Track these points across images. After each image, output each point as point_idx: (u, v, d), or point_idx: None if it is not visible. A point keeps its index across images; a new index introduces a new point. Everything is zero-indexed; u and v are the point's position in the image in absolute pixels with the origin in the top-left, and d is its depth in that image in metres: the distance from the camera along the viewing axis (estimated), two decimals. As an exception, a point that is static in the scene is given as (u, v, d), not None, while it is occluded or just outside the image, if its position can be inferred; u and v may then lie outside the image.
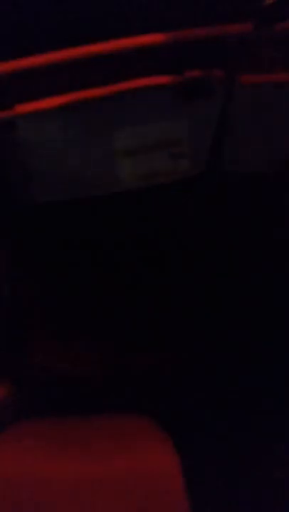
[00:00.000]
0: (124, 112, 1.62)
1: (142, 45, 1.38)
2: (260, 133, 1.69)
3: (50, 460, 1.17)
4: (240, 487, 1.41)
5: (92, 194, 1.82)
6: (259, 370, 1.76)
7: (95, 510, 1.09)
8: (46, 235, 1.91)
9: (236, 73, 1.49)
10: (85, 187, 1.80)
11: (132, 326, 1.90)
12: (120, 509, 1.09)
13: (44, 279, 1.95)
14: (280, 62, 1.49)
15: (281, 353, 1.76)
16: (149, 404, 1.57)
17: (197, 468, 1.24)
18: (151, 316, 1.90)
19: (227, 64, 1.47)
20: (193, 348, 1.86)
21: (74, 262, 1.92)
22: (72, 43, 1.36)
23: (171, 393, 1.76)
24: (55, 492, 1.11)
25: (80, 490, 1.11)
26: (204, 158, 1.76)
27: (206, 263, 1.88)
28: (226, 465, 1.47)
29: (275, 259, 1.85)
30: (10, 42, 1.35)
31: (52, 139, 1.68)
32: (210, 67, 1.48)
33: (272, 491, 1.38)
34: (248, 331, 1.82)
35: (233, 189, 1.83)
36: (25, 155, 1.73)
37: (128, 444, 1.23)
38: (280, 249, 1.85)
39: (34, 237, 1.92)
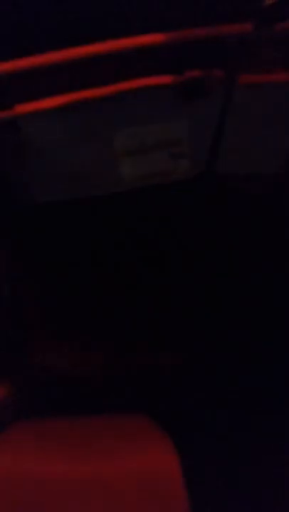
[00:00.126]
0: (124, 112, 1.61)
1: (142, 45, 1.37)
2: (259, 133, 1.69)
3: (50, 460, 1.17)
4: (240, 487, 1.41)
5: (92, 194, 1.82)
6: (259, 370, 1.76)
7: (95, 510, 1.09)
8: (46, 235, 1.91)
9: (236, 73, 1.49)
10: (85, 187, 1.80)
11: (132, 326, 1.90)
12: (120, 509, 1.09)
13: (44, 279, 1.95)
14: (280, 62, 1.49)
15: (281, 353, 1.76)
16: (149, 404, 1.57)
17: (197, 468, 1.24)
18: (151, 316, 1.90)
19: (227, 64, 1.47)
20: (193, 348, 1.86)
21: (74, 262, 1.92)
22: (72, 43, 1.36)
23: (171, 393, 1.76)
24: (55, 492, 1.11)
25: (80, 490, 1.11)
26: (204, 158, 1.76)
27: (206, 263, 1.88)
28: (226, 465, 1.46)
29: (275, 259, 1.85)
30: (10, 42, 1.35)
31: (52, 139, 1.68)
32: (210, 67, 1.48)
33: (272, 491, 1.38)
34: (248, 331, 1.82)
35: (233, 189, 1.83)
36: (25, 155, 1.73)
37: (128, 444, 1.23)
38: (280, 250, 1.85)
39: (34, 237, 1.93)
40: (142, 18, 1.35)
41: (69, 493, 1.11)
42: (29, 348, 1.91)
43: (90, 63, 1.41)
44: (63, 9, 1.31)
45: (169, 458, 1.16)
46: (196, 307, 1.88)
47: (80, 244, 1.91)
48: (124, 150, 1.74)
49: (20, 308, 1.94)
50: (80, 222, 1.90)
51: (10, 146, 1.71)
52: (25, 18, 1.31)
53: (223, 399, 1.70)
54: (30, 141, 1.69)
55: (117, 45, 1.37)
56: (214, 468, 1.44)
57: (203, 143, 1.71)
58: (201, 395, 1.73)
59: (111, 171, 1.78)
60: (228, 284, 1.87)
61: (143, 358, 1.87)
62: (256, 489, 1.39)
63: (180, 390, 1.77)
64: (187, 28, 1.37)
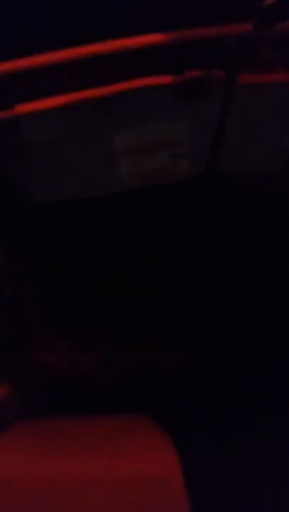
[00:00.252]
0: (124, 111, 1.62)
1: (142, 45, 1.38)
2: (259, 133, 1.69)
3: (50, 460, 1.17)
4: (240, 487, 1.41)
5: (92, 194, 1.82)
6: (259, 370, 1.76)
7: (95, 510, 1.09)
8: (46, 235, 1.91)
9: (236, 73, 1.49)
10: (85, 187, 1.80)
11: (132, 326, 1.90)
12: (120, 509, 1.09)
13: (44, 279, 1.95)
14: (280, 62, 1.49)
15: (281, 353, 1.76)
16: (149, 404, 1.57)
17: (197, 468, 1.24)
18: (151, 316, 1.90)
19: (227, 64, 1.47)
20: (193, 348, 1.86)
21: (74, 262, 1.92)
22: (72, 43, 1.36)
23: (171, 393, 1.76)
24: (55, 492, 1.11)
25: (80, 490, 1.11)
26: (204, 158, 1.76)
27: (206, 263, 1.88)
28: (226, 465, 1.46)
29: (275, 259, 1.85)
30: (10, 42, 1.35)
31: (52, 139, 1.68)
32: (210, 67, 1.48)
33: (272, 491, 1.38)
34: (248, 331, 1.82)
35: (233, 189, 1.83)
36: (25, 155, 1.73)
37: (128, 444, 1.23)
38: (280, 250, 1.85)
39: (34, 237, 1.92)
40: (142, 18, 1.35)
41: (69, 493, 1.11)
42: (29, 348, 1.91)
43: (90, 63, 1.41)
44: (63, 9, 1.31)
45: (169, 458, 1.16)
46: (196, 307, 1.88)
47: (80, 244, 1.91)
48: (124, 150, 1.74)
49: (20, 308, 1.94)
50: (80, 222, 1.89)
51: (10, 146, 1.71)
52: (25, 18, 1.31)
53: (223, 399, 1.70)
54: (30, 141, 1.69)
55: (117, 45, 1.37)
56: (214, 468, 1.44)
57: (203, 143, 1.71)
58: (201, 395, 1.73)
59: (111, 171, 1.79)
60: (228, 284, 1.87)
61: (143, 358, 1.87)
62: (256, 489, 1.39)
63: (180, 390, 1.77)
64: (187, 28, 1.37)
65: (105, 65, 1.44)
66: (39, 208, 1.88)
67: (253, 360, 1.78)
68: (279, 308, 1.83)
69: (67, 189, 1.81)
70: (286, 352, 1.75)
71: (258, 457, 1.47)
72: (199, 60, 1.48)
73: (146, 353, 1.88)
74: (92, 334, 1.92)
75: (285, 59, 1.48)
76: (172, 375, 1.83)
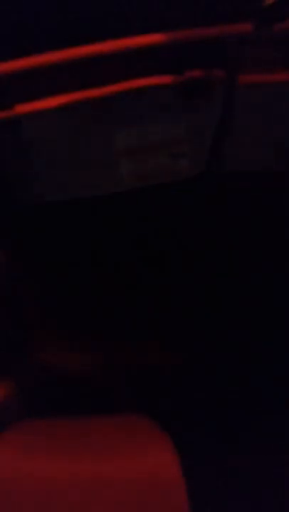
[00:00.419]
0: (124, 111, 1.62)
1: (142, 45, 1.38)
2: (260, 133, 1.69)
3: (50, 460, 1.17)
4: (240, 487, 1.41)
5: (92, 194, 1.82)
6: (259, 370, 1.76)
7: (95, 510, 1.09)
8: (46, 235, 1.91)
9: (236, 73, 1.49)
10: (85, 187, 1.80)
11: (132, 326, 1.90)
12: (120, 509, 1.09)
13: (44, 279, 1.95)
14: (280, 62, 1.50)
15: (281, 353, 1.76)
16: (149, 404, 1.57)
17: (197, 468, 1.24)
18: (151, 316, 1.90)
19: (227, 64, 1.47)
20: (193, 348, 1.86)
21: (74, 262, 1.92)
22: (72, 43, 1.36)
23: (171, 393, 1.76)
24: (55, 492, 1.11)
25: (79, 490, 1.11)
26: (204, 158, 1.76)
27: (206, 263, 1.88)
28: (226, 465, 1.46)
29: (275, 259, 1.85)
30: (10, 42, 1.35)
31: (52, 139, 1.69)
32: (210, 67, 1.48)
33: (272, 491, 1.38)
34: (248, 331, 1.82)
35: (233, 189, 1.83)
36: (25, 155, 1.73)
37: (128, 444, 1.23)
38: (280, 249, 1.84)
39: (34, 237, 1.92)
40: (142, 18, 1.35)
41: (69, 493, 1.11)
42: (29, 348, 1.91)
43: (90, 63, 1.41)
44: (63, 9, 1.31)
45: (169, 458, 1.16)
46: (196, 307, 1.88)
47: (80, 244, 1.91)
48: (124, 150, 1.74)
49: (20, 308, 1.94)
50: (80, 222, 1.89)
51: (10, 146, 1.71)
52: (25, 18, 1.31)
53: (223, 399, 1.70)
54: (31, 141, 1.69)
55: (117, 45, 1.38)
56: (214, 468, 1.44)
57: (203, 143, 1.71)
58: (201, 395, 1.73)
59: (111, 171, 1.79)
60: (228, 284, 1.87)
61: (143, 358, 1.87)
62: (256, 489, 1.39)
63: (180, 390, 1.77)
64: (187, 28, 1.37)
65: (105, 65, 1.44)
66: (39, 208, 1.88)
67: (253, 360, 1.78)
68: (279, 308, 1.83)
69: (67, 189, 1.81)
70: (286, 352, 1.75)
71: (258, 457, 1.47)
72: (199, 60, 1.48)
73: (146, 353, 1.88)
74: (92, 334, 1.91)
75: (285, 59, 1.48)
76: (172, 375, 1.83)
